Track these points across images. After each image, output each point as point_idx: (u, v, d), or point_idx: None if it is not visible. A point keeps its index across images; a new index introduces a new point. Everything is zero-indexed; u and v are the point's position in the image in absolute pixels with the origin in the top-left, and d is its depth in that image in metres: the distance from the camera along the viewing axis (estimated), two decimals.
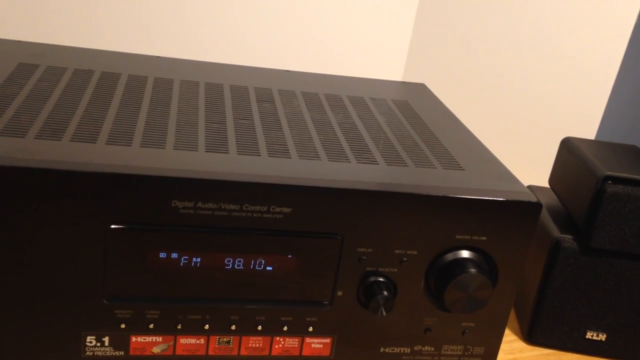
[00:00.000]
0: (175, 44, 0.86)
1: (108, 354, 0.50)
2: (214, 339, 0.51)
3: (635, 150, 0.67)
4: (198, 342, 0.51)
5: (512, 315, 0.69)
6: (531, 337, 0.65)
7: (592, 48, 0.92)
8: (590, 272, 0.61)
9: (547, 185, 0.73)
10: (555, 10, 0.91)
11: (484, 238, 0.52)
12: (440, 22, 0.95)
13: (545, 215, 0.66)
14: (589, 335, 0.63)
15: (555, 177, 0.70)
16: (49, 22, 0.81)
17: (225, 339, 0.51)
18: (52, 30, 0.81)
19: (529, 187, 0.74)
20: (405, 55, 0.97)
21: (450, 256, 0.52)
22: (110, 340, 0.49)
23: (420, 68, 0.97)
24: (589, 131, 0.96)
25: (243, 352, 0.52)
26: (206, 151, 0.50)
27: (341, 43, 0.93)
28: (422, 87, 0.80)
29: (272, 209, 0.48)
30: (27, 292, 0.47)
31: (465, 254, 0.52)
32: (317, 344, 0.53)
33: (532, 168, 0.91)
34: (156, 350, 0.51)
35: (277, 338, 0.52)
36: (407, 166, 0.54)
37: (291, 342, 0.53)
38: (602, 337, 0.63)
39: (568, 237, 0.61)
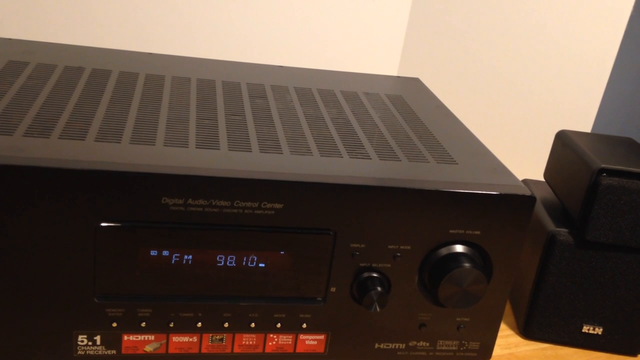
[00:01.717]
0: (167, 40, 0.85)
1: (100, 353, 0.49)
2: (207, 337, 0.51)
3: (630, 142, 0.67)
4: (191, 340, 0.51)
5: (508, 310, 0.69)
6: (527, 331, 0.64)
7: (588, 40, 0.92)
8: (586, 265, 0.61)
9: (543, 179, 0.73)
10: (550, 2, 0.91)
11: (478, 232, 0.51)
12: (435, 17, 0.94)
13: (540, 209, 0.66)
14: (585, 329, 0.63)
15: (550, 170, 0.69)
16: (39, 19, 0.80)
17: (218, 337, 0.51)
18: (42, 27, 0.80)
19: (524, 180, 0.74)
20: (400, 49, 0.96)
21: (444, 251, 0.51)
22: (102, 339, 0.49)
23: (415, 62, 0.96)
24: (585, 124, 0.96)
25: (236, 350, 0.52)
26: (197, 147, 0.50)
27: (336, 38, 0.92)
28: (416, 81, 0.80)
29: (264, 205, 0.47)
30: (17, 291, 0.46)
31: (459, 248, 0.52)
32: (311, 340, 0.53)
33: (528, 161, 0.90)
34: (148, 348, 0.50)
35: (271, 335, 0.52)
36: (400, 161, 0.54)
37: (285, 339, 0.52)
38: (599, 330, 0.63)
39: (563, 230, 0.61)
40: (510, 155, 0.78)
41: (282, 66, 0.77)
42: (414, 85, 0.78)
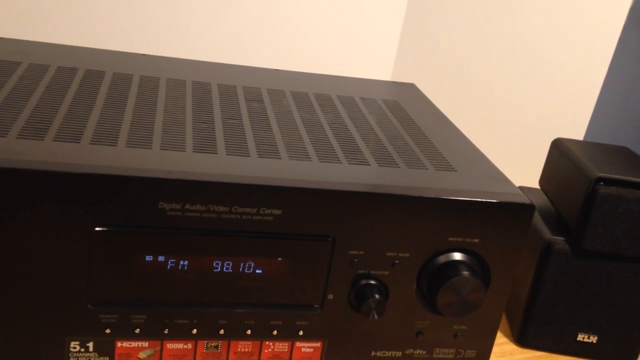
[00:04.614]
0: (162, 41, 0.84)
1: (92, 359, 0.48)
2: (202, 344, 0.50)
3: (626, 151, 0.67)
4: (185, 347, 0.50)
5: (503, 318, 0.68)
6: (522, 339, 0.64)
7: (581, 49, 0.92)
8: (582, 274, 0.61)
9: (537, 186, 0.72)
10: (545, 11, 0.91)
11: (477, 240, 0.51)
12: (429, 22, 0.94)
13: (536, 217, 0.66)
14: (580, 337, 0.63)
15: (546, 178, 0.69)
16: (32, 18, 0.79)
17: (213, 344, 0.50)
18: (34, 26, 0.79)
19: (519, 188, 0.74)
20: (394, 54, 0.96)
21: (442, 258, 0.51)
22: (94, 346, 0.48)
23: (409, 68, 0.96)
24: (577, 132, 0.96)
25: (232, 357, 0.51)
26: (194, 151, 0.49)
27: (330, 42, 0.92)
28: (412, 87, 0.79)
29: (262, 210, 0.47)
30: (8, 296, 0.45)
31: (457, 256, 0.51)
32: (308, 348, 0.52)
33: (520, 169, 0.90)
34: (142, 355, 0.49)
35: (267, 342, 0.51)
36: (399, 167, 0.53)
37: (281, 347, 0.52)
38: (594, 339, 0.63)
39: (560, 239, 0.61)
40: (504, 162, 0.78)
41: (278, 70, 0.76)
42: (410, 90, 0.77)
